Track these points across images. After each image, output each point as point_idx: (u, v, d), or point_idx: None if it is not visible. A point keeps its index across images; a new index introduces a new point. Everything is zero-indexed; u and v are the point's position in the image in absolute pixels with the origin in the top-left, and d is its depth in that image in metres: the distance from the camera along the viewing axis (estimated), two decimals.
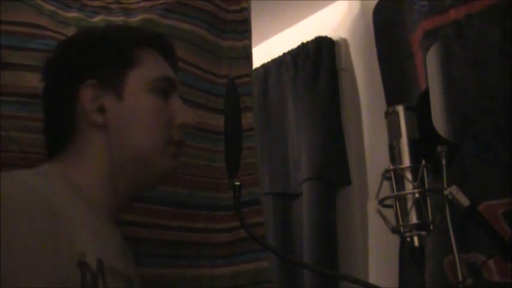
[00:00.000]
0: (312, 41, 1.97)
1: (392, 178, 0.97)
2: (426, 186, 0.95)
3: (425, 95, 1.01)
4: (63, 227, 0.69)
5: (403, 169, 0.96)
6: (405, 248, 0.94)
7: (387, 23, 1.67)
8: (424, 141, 0.98)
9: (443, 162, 0.94)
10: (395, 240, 1.14)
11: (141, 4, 1.22)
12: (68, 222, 0.70)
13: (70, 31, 1.12)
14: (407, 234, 0.94)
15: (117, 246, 0.83)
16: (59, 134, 0.85)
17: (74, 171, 0.81)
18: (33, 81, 1.04)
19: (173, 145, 0.87)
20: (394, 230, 0.96)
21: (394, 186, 0.96)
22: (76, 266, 0.68)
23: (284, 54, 2.06)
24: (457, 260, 0.92)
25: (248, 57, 1.32)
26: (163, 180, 0.94)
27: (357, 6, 1.92)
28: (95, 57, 0.85)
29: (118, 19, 1.18)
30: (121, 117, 0.83)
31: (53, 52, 0.90)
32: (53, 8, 1.11)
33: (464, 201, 0.91)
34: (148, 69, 0.86)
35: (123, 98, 0.83)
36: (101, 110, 0.82)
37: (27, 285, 0.62)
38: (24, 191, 0.69)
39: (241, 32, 1.32)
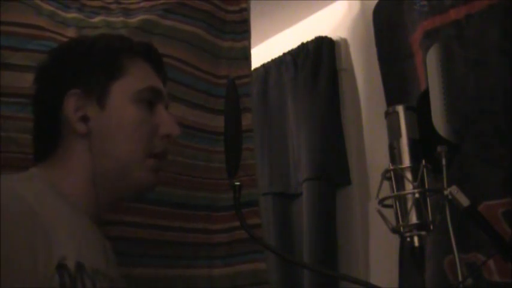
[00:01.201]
0: (312, 41, 1.96)
1: (392, 178, 0.97)
2: (426, 186, 0.94)
3: (425, 95, 1.01)
4: (41, 231, 0.69)
5: (403, 169, 0.96)
6: (405, 248, 0.94)
7: (387, 23, 1.67)
8: (424, 141, 0.98)
9: (443, 162, 0.94)
10: (395, 240, 1.14)
11: (141, 4, 1.22)
12: (48, 226, 0.71)
13: (69, 32, 1.12)
14: (407, 234, 0.94)
15: (100, 248, 0.84)
16: (45, 140, 0.87)
17: (57, 176, 0.82)
18: None
19: (154, 158, 0.87)
20: (394, 230, 0.96)
21: (394, 186, 0.96)
22: (55, 270, 0.68)
23: (284, 54, 2.05)
24: (457, 260, 0.92)
25: (247, 57, 1.32)
26: (142, 192, 0.94)
27: (357, 6, 1.91)
28: (81, 67, 0.86)
29: (118, 19, 1.18)
30: (103, 126, 0.84)
31: (45, 58, 0.91)
32: (52, 9, 1.11)
33: (464, 201, 0.91)
34: (134, 79, 0.87)
35: (106, 108, 0.84)
36: (84, 119, 0.84)
37: None
38: (5, 196, 0.69)
39: (240, 32, 1.32)
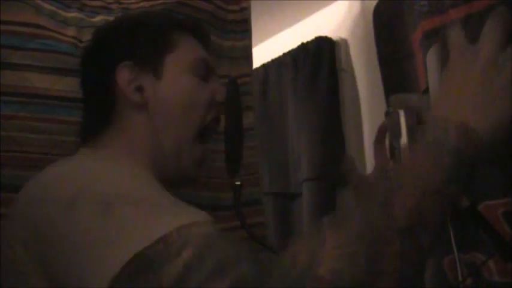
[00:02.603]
0: (312, 41, 1.96)
1: None
2: None
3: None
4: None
5: None
6: None
7: (387, 23, 1.67)
8: None
9: None
10: None
11: (141, 4, 1.22)
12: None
13: (70, 31, 1.12)
14: None
15: None
16: (98, 117, 0.85)
17: (114, 150, 0.81)
18: (34, 81, 1.04)
19: (210, 130, 0.86)
20: None
21: None
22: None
23: (284, 54, 2.06)
24: (457, 260, 0.92)
25: (248, 57, 1.32)
26: (184, 178, 0.88)
27: (357, 6, 1.91)
28: (131, 41, 0.85)
29: None
30: (160, 96, 0.83)
31: (90, 40, 0.91)
32: (53, 8, 1.11)
33: (464, 201, 0.91)
34: (187, 52, 0.86)
35: (162, 79, 0.83)
36: (139, 89, 0.82)
37: None
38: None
39: (241, 31, 1.32)
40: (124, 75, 0.82)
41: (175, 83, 0.84)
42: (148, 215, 0.61)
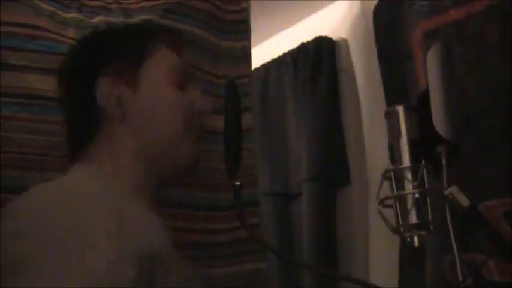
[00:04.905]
0: (312, 41, 1.96)
1: (393, 178, 0.97)
2: (426, 186, 0.94)
3: (425, 95, 1.01)
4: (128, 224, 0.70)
5: (403, 169, 0.95)
6: (405, 248, 0.94)
7: (387, 23, 1.67)
8: (424, 141, 0.98)
9: (443, 162, 0.94)
10: (395, 240, 1.14)
11: (141, 4, 1.22)
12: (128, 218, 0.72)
13: (69, 32, 1.12)
14: (408, 234, 0.94)
15: (165, 230, 0.84)
16: (80, 133, 0.86)
17: (102, 164, 0.82)
18: (33, 82, 1.04)
19: (193, 131, 0.88)
20: (394, 230, 0.96)
21: (394, 187, 0.96)
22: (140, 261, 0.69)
23: (284, 54, 2.05)
24: (457, 260, 0.92)
25: (247, 57, 1.32)
26: (187, 166, 0.92)
27: (357, 6, 1.91)
28: (107, 53, 0.86)
29: (118, 20, 1.18)
30: (139, 108, 0.84)
31: (66, 56, 0.92)
32: (52, 9, 1.11)
33: (464, 201, 0.91)
34: (163, 61, 0.87)
35: (139, 90, 0.84)
36: (119, 103, 0.83)
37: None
38: (90, 195, 0.71)
39: (240, 32, 1.31)
40: (103, 89, 0.83)
41: (151, 93, 0.85)
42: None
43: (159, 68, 0.86)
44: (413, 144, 0.97)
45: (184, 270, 0.87)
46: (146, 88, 0.84)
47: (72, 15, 1.14)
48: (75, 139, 0.88)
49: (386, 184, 0.99)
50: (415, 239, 0.93)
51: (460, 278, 0.93)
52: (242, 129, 0.88)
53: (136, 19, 1.19)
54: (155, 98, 0.85)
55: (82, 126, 0.86)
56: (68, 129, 0.89)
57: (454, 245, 0.92)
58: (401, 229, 0.94)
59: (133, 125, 0.83)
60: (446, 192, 0.92)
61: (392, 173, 0.97)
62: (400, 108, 0.99)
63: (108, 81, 0.83)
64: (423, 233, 0.93)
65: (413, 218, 0.93)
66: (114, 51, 0.86)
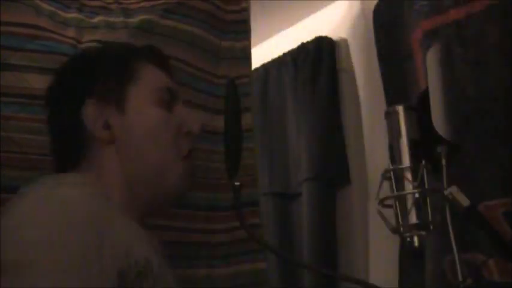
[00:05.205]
0: (312, 41, 1.96)
1: (392, 178, 0.97)
2: (426, 186, 0.94)
3: (425, 95, 1.01)
4: (109, 235, 0.70)
5: (403, 169, 0.95)
6: (405, 248, 0.94)
7: (387, 23, 1.67)
8: (424, 141, 0.98)
9: (443, 162, 0.94)
10: (395, 240, 1.14)
11: (141, 4, 1.22)
12: (113, 229, 0.71)
13: (69, 32, 1.12)
14: (407, 234, 0.93)
15: (154, 247, 0.83)
16: (68, 155, 0.85)
17: (93, 186, 0.81)
18: (33, 82, 1.04)
19: (184, 161, 0.86)
20: (394, 230, 0.96)
21: (394, 187, 0.96)
22: (125, 270, 0.69)
23: (284, 54, 2.06)
24: (457, 260, 0.92)
25: (247, 57, 1.32)
26: (178, 197, 0.91)
27: (357, 6, 1.91)
28: (93, 77, 0.85)
29: (118, 19, 1.18)
30: (127, 131, 0.83)
31: (52, 79, 0.90)
32: (52, 9, 1.11)
33: (464, 201, 0.91)
34: (149, 81, 0.86)
35: (126, 113, 0.83)
36: (106, 126, 0.83)
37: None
38: (71, 203, 0.71)
39: (240, 32, 1.32)
40: (90, 114, 0.82)
41: (138, 115, 0.84)
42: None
43: (146, 89, 0.85)
44: (413, 144, 0.97)
45: (174, 280, 0.86)
46: (133, 110, 0.83)
47: (73, 15, 1.14)
48: (61, 161, 0.87)
49: (386, 184, 0.98)
50: (415, 239, 0.93)
51: (460, 278, 0.93)
52: (242, 129, 0.88)
53: (136, 19, 1.19)
54: (142, 121, 0.84)
55: (69, 148, 0.85)
56: (54, 150, 0.88)
57: (454, 245, 0.92)
58: (401, 229, 0.94)
59: (121, 148, 0.82)
60: (446, 192, 0.92)
61: (392, 173, 0.97)
62: (400, 108, 0.99)
63: (95, 103, 0.83)
64: (423, 233, 0.93)
65: (413, 218, 0.93)
66: (100, 72, 0.85)
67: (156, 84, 0.87)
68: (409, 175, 0.95)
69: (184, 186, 0.88)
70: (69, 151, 0.85)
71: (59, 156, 0.88)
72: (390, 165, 0.97)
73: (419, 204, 0.93)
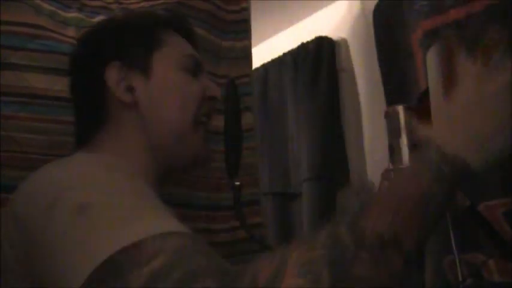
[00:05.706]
0: (312, 41, 1.97)
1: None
2: None
3: (425, 95, 1.00)
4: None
5: (403, 169, 0.95)
6: None
7: (387, 23, 1.67)
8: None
9: None
10: None
11: (141, 4, 1.22)
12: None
13: (70, 31, 1.12)
14: None
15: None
16: (91, 120, 0.85)
17: (110, 151, 0.81)
18: (33, 81, 1.04)
19: (204, 125, 0.86)
20: None
21: None
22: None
23: (284, 54, 2.06)
24: (457, 260, 0.92)
25: (248, 57, 1.32)
26: (197, 162, 0.89)
27: (357, 6, 1.92)
28: (118, 42, 0.85)
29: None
30: (151, 95, 0.83)
31: (76, 45, 0.91)
32: (52, 8, 1.11)
33: (464, 201, 0.91)
34: (175, 49, 0.87)
35: (151, 77, 0.83)
36: (130, 89, 0.83)
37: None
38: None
39: (241, 32, 1.31)
40: (113, 76, 0.82)
41: (165, 80, 0.84)
42: (124, 220, 0.61)
43: (171, 56, 0.86)
44: (413, 144, 0.97)
45: None
46: (158, 75, 0.83)
47: (73, 14, 1.14)
48: (83, 127, 0.87)
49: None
50: None
51: (460, 278, 0.93)
52: (242, 129, 0.88)
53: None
54: (167, 84, 0.84)
55: (91, 112, 0.85)
56: (77, 116, 0.88)
57: (454, 245, 0.92)
58: None
59: (144, 111, 0.82)
60: None
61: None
62: (400, 108, 0.99)
63: (119, 66, 0.83)
64: None
65: None
66: (126, 37, 0.86)
67: (182, 52, 0.87)
68: None
69: (204, 153, 0.87)
70: (92, 115, 0.85)
71: (79, 122, 0.88)
72: (390, 165, 0.97)
73: None
